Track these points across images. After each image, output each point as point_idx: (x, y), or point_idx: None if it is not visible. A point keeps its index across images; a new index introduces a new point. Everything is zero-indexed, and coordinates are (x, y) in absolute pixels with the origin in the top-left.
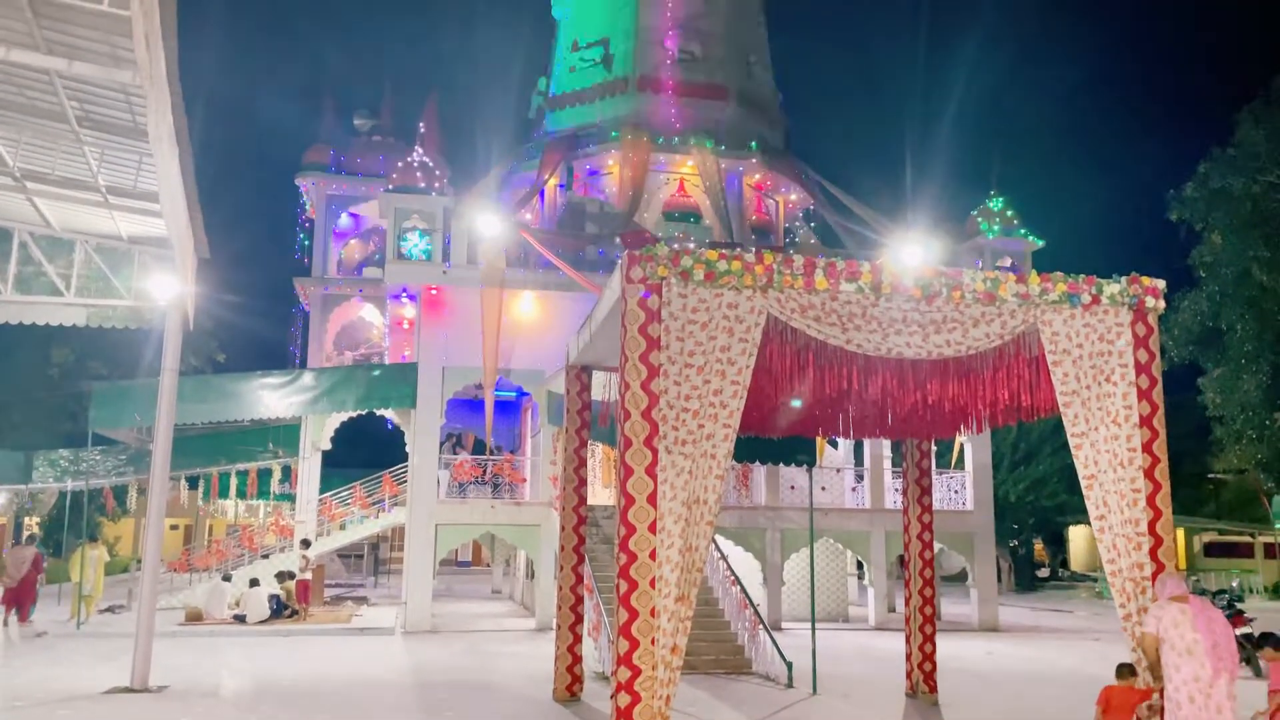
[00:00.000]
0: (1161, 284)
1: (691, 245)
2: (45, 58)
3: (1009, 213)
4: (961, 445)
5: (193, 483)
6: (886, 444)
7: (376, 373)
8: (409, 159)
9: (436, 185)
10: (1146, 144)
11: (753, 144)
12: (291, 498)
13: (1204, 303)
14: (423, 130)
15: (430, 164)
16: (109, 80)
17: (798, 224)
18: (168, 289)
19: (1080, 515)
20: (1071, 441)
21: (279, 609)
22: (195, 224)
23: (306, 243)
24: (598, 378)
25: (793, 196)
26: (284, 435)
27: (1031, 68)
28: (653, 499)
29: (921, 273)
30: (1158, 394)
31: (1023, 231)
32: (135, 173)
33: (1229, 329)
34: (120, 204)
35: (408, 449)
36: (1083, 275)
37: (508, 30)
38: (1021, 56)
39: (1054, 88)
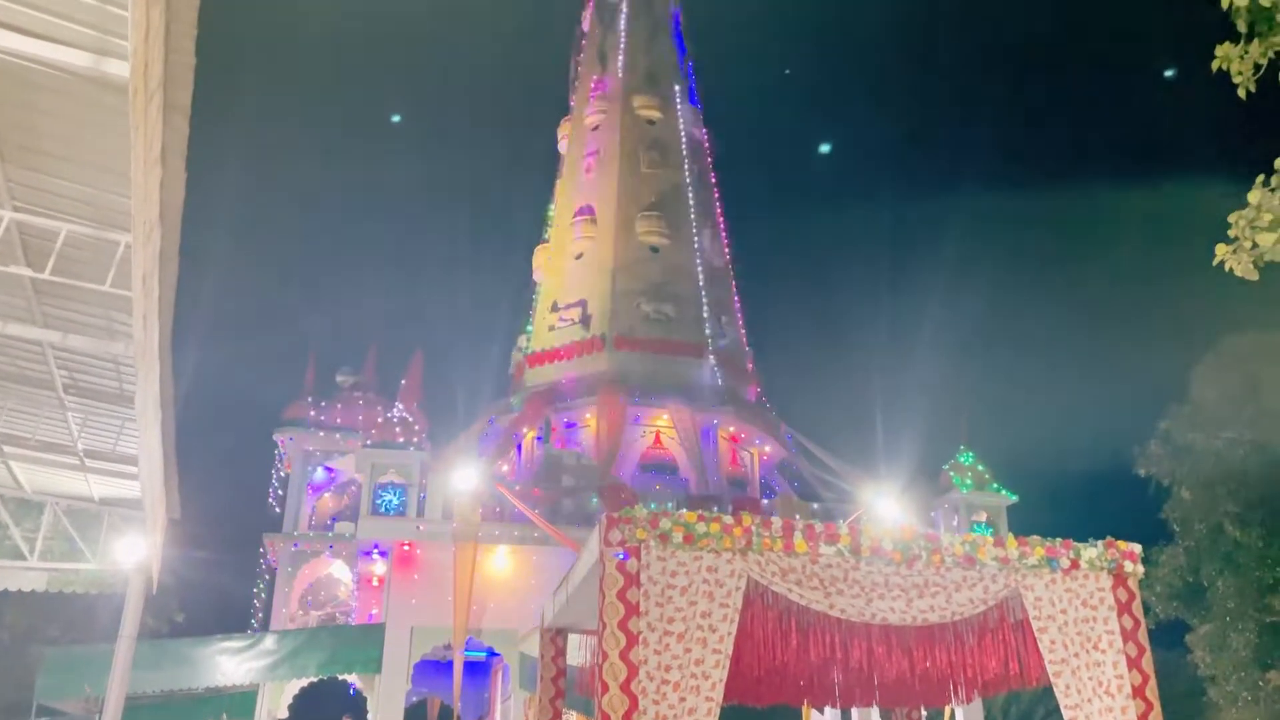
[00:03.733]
0: (1138, 548)
1: (670, 506)
2: (41, 331)
3: (980, 467)
4: (953, 711)
5: None
6: (875, 712)
7: (342, 635)
8: (389, 415)
9: (415, 440)
10: (1117, 394)
11: (726, 399)
12: None
13: (1182, 557)
14: (404, 384)
15: (410, 419)
16: (101, 351)
17: (774, 475)
18: (134, 552)
19: None
20: (1065, 715)
21: None
22: (170, 486)
23: (280, 495)
24: (573, 639)
25: (766, 448)
26: (239, 703)
27: (999, 317)
28: None
29: (900, 535)
30: (1147, 662)
31: (995, 486)
32: (116, 437)
33: (1210, 585)
34: (97, 467)
35: (370, 718)
36: (1059, 539)
37: (490, 291)
38: (990, 309)
39: (1022, 338)
